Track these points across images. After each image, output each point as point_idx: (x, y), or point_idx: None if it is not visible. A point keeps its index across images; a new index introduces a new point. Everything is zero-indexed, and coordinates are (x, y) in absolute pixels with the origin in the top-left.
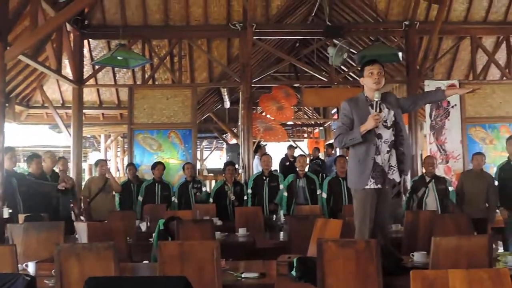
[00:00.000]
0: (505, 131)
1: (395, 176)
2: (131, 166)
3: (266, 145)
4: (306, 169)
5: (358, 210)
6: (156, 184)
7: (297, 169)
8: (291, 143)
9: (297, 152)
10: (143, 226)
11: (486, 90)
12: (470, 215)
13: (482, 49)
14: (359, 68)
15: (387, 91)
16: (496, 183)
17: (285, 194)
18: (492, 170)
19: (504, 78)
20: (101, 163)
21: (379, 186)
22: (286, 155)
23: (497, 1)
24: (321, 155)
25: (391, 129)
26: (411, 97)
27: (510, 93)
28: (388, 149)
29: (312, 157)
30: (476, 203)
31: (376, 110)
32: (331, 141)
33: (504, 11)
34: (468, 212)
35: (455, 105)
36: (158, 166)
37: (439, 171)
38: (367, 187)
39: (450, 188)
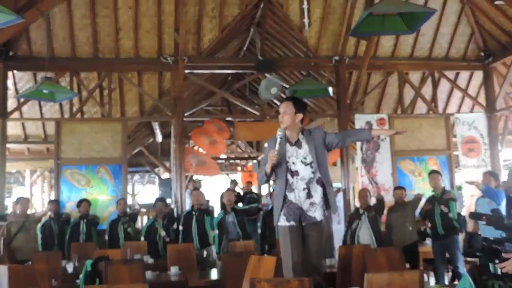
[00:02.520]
0: (433, 164)
1: (316, 214)
2: (53, 203)
3: (201, 180)
4: (240, 204)
5: (281, 245)
6: (81, 221)
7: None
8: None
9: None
10: (70, 267)
11: (414, 124)
12: (401, 245)
13: (409, 84)
14: None
15: (318, 127)
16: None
17: (216, 232)
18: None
19: (431, 112)
20: (22, 201)
21: (292, 223)
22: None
23: (422, 38)
24: (254, 188)
25: (309, 166)
26: (339, 134)
27: (436, 127)
28: (305, 186)
29: (245, 191)
30: (403, 232)
31: (276, 148)
32: None
33: (429, 48)
34: (398, 242)
35: (385, 138)
36: (83, 203)
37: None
38: (280, 223)
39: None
